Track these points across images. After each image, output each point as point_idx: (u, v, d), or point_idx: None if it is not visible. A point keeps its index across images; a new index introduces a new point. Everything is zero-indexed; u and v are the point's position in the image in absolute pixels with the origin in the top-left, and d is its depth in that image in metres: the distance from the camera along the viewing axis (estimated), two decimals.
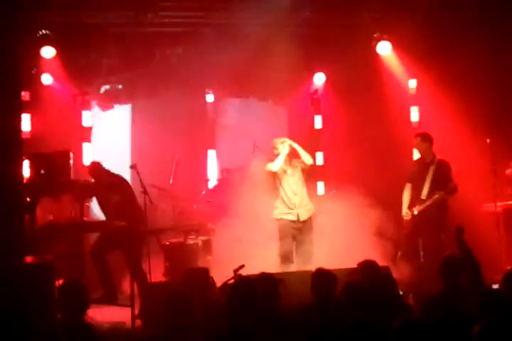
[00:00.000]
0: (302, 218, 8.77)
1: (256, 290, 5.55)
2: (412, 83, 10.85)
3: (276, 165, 8.73)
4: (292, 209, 8.76)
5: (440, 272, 6.07)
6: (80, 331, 5.14)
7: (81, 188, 8.43)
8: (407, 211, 8.96)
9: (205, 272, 6.28)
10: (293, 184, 8.83)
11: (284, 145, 8.80)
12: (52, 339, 5.34)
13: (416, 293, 7.54)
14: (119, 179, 8.92)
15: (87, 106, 10.47)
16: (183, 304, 5.38)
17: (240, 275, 6.74)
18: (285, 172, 8.83)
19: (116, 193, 8.67)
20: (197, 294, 5.80)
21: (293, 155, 8.88)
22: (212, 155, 11.89)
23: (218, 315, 5.52)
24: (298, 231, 8.74)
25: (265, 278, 5.89)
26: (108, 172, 8.94)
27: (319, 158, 10.95)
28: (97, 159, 9.45)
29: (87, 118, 10.55)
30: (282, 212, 8.78)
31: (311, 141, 10.34)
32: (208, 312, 5.67)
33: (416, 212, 8.90)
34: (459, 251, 6.28)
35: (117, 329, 6.98)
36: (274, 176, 8.80)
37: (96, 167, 8.97)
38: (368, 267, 6.33)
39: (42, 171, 7.56)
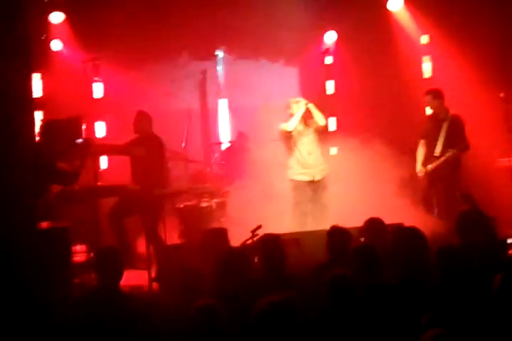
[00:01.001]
0: (317, 178, 8.80)
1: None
2: (424, 38, 10.68)
3: (291, 125, 8.74)
4: (306, 168, 8.78)
5: (456, 227, 6.09)
6: (116, 296, 5.26)
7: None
8: (421, 168, 8.94)
9: (223, 232, 6.28)
10: (307, 144, 8.84)
11: (298, 106, 8.80)
12: (69, 304, 5.45)
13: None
14: (155, 136, 8.79)
15: (97, 72, 10.38)
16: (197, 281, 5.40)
17: (257, 235, 6.76)
18: (299, 132, 8.83)
19: (152, 149, 8.56)
20: (214, 254, 5.85)
21: (307, 115, 8.87)
22: (223, 105, 11.61)
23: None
24: (313, 191, 8.76)
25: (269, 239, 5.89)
26: (151, 126, 8.79)
27: (332, 123, 10.84)
28: None
29: (98, 88, 10.46)
30: (297, 172, 8.81)
31: (323, 104, 10.26)
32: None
33: (429, 169, 8.87)
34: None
35: (137, 292, 7.09)
36: (289, 136, 8.80)
37: (144, 116, 8.81)
38: (371, 225, 6.33)
39: (79, 140, 7.61)
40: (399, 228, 6.32)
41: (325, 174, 8.87)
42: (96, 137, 9.97)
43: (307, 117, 8.87)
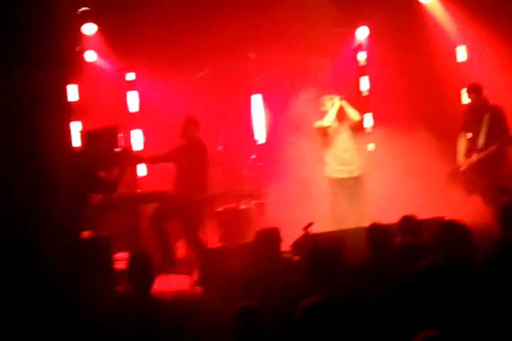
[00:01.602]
0: (354, 174, 8.79)
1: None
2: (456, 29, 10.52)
3: (327, 120, 8.75)
4: (343, 165, 8.74)
5: (498, 221, 5.96)
6: (148, 302, 5.29)
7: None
8: (464, 161, 8.80)
9: (276, 231, 6.26)
10: (343, 141, 8.86)
11: (332, 102, 8.80)
12: (115, 310, 5.49)
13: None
14: (200, 142, 8.84)
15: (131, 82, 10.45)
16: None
17: (309, 232, 6.71)
18: (335, 129, 8.83)
19: (197, 155, 8.65)
20: (270, 253, 5.86)
21: (341, 112, 8.84)
22: (257, 100, 11.59)
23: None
24: (351, 187, 8.73)
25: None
26: (198, 131, 8.83)
27: (368, 119, 10.74)
28: None
29: (134, 102, 10.50)
30: (334, 170, 8.81)
31: (358, 100, 10.19)
32: (279, 270, 5.66)
33: (472, 162, 8.73)
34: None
35: (180, 298, 7.11)
36: (326, 133, 8.80)
37: (193, 122, 8.87)
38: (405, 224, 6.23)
39: (117, 149, 7.72)
40: (440, 223, 6.19)
41: (362, 170, 8.83)
42: (133, 148, 10.03)
43: (341, 114, 8.85)
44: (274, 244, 6.03)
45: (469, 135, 8.93)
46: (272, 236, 6.07)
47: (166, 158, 8.79)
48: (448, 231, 5.55)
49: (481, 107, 8.84)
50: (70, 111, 7.31)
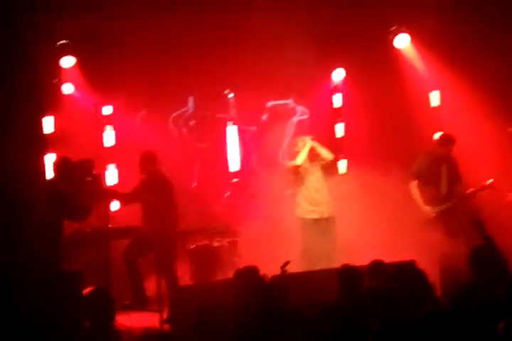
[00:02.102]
0: (325, 215, 8.86)
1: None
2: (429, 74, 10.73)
3: (299, 159, 8.97)
4: (314, 206, 8.82)
5: (469, 263, 6.03)
6: (109, 338, 5.23)
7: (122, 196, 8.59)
8: (429, 208, 8.89)
9: (255, 270, 6.26)
10: (314, 181, 8.98)
11: (304, 143, 8.96)
12: None
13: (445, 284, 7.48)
14: (161, 176, 8.86)
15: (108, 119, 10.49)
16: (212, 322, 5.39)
17: (286, 271, 6.72)
18: (306, 169, 8.95)
19: (152, 192, 8.61)
20: (251, 293, 5.89)
21: (312, 153, 8.99)
22: (232, 131, 11.47)
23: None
24: (321, 228, 8.79)
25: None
26: (157, 167, 8.87)
27: (342, 163, 10.86)
28: None
29: (109, 136, 10.56)
30: (304, 210, 8.88)
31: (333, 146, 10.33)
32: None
33: (440, 210, 8.87)
34: (484, 241, 6.23)
35: (149, 335, 7.05)
36: (297, 172, 8.93)
37: (149, 157, 8.88)
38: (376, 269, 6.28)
39: (89, 178, 7.74)
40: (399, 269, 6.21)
41: (333, 211, 8.91)
42: (106, 183, 10.01)
43: (313, 154, 9.01)
44: (254, 283, 6.05)
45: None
46: (251, 275, 6.09)
47: (132, 197, 8.79)
48: (404, 275, 5.60)
49: (440, 157, 9.02)
50: (44, 143, 7.35)
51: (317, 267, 8.19)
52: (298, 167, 8.94)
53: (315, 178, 9.01)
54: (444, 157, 9.03)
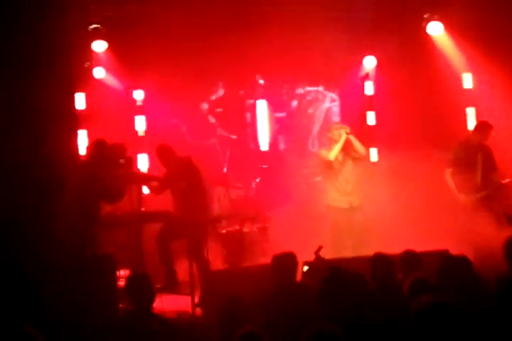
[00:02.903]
0: (354, 204, 8.84)
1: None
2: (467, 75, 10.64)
3: (332, 155, 8.85)
4: (344, 196, 8.81)
5: (505, 254, 5.98)
6: (149, 320, 5.33)
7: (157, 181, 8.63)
8: (464, 196, 8.84)
9: (293, 256, 6.29)
10: (346, 172, 8.96)
11: (339, 133, 8.85)
12: (115, 327, 5.52)
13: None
14: (187, 163, 8.78)
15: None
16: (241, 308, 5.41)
17: (320, 256, 6.72)
18: (338, 161, 8.89)
19: (184, 180, 8.57)
20: (287, 278, 5.92)
21: (347, 145, 8.93)
22: (262, 105, 11.38)
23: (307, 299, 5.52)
24: (350, 217, 8.79)
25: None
26: (176, 156, 8.80)
27: (373, 153, 10.85)
28: None
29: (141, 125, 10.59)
30: (334, 199, 8.86)
31: (363, 134, 10.28)
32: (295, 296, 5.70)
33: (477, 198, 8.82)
34: None
35: (181, 318, 7.11)
36: (330, 166, 8.86)
37: (165, 150, 8.83)
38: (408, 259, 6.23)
39: (122, 161, 7.79)
40: (443, 258, 6.19)
41: (362, 201, 8.90)
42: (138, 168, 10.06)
43: (347, 146, 8.92)
44: (291, 269, 6.07)
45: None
46: (289, 260, 6.12)
47: (164, 184, 8.81)
48: (448, 265, 5.55)
49: (476, 145, 8.97)
50: (76, 121, 7.39)
51: (347, 254, 8.19)
52: (331, 162, 8.85)
53: (347, 169, 8.97)
54: (479, 145, 8.97)
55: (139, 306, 5.37)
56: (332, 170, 8.91)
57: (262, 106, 11.24)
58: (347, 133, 8.89)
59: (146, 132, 10.63)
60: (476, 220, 8.54)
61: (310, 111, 11.66)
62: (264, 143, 11.16)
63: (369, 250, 7.18)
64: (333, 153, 8.85)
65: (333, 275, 5.19)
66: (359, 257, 7.21)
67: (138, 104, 10.65)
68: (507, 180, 8.85)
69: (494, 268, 5.87)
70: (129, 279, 5.59)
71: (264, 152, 11.11)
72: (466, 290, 5.22)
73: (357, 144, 8.92)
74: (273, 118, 11.39)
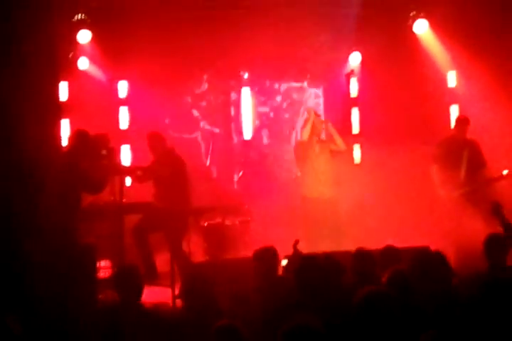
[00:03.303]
0: (326, 196, 8.88)
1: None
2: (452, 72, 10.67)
3: (304, 134, 9.05)
4: (318, 186, 8.85)
5: (484, 251, 6.02)
6: (137, 311, 5.37)
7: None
8: (444, 192, 8.87)
9: (274, 250, 6.28)
10: (322, 163, 9.04)
11: (309, 116, 9.15)
12: (96, 316, 5.51)
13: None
14: (172, 153, 8.85)
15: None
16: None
17: (298, 250, 6.74)
18: (314, 151, 8.98)
19: (168, 168, 8.60)
20: (268, 272, 5.99)
21: (327, 137, 9.01)
22: (246, 93, 11.32)
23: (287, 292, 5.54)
24: (323, 209, 8.82)
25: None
26: (166, 145, 8.86)
27: (356, 151, 10.89)
28: None
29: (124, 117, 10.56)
30: (308, 189, 8.92)
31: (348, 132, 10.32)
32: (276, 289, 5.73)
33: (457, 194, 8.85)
34: (501, 226, 6.23)
35: (161, 309, 7.08)
36: (301, 146, 8.93)
37: (157, 137, 8.87)
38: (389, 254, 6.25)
39: (104, 152, 7.76)
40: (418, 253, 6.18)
41: (335, 193, 8.96)
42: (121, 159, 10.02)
43: (327, 138, 9.04)
44: (272, 263, 6.08)
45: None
46: (269, 254, 6.11)
47: (147, 172, 8.80)
48: (422, 260, 5.56)
49: (460, 140, 9.00)
50: (59, 110, 7.32)
51: (322, 248, 8.17)
52: (303, 143, 8.94)
53: (322, 160, 9.05)
54: (465, 141, 9.01)
55: (128, 298, 5.37)
56: (308, 158, 8.96)
57: (246, 94, 11.21)
58: (316, 114, 9.14)
59: (129, 124, 10.58)
60: (459, 217, 8.60)
61: (294, 106, 11.67)
62: (247, 132, 11.12)
63: (348, 244, 7.19)
64: (304, 133, 8.98)
65: (304, 265, 5.24)
66: (338, 252, 7.21)
67: (121, 95, 10.59)
68: (506, 172, 8.79)
69: (474, 264, 5.91)
70: (120, 271, 5.58)
71: (248, 145, 11.09)
72: (439, 286, 5.25)
73: (337, 137, 9.06)
74: (256, 112, 11.38)
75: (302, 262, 5.50)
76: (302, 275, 5.31)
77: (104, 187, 7.68)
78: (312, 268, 5.32)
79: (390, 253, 6.27)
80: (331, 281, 5.31)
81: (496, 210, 6.39)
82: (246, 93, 11.26)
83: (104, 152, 7.82)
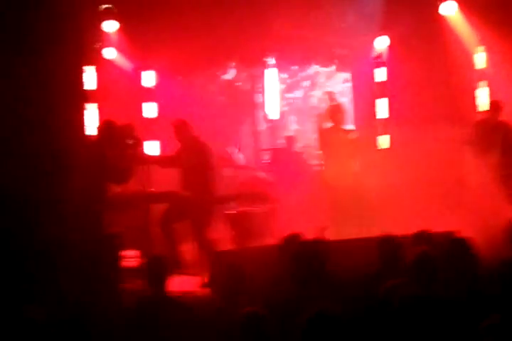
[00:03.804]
0: (352, 182, 8.84)
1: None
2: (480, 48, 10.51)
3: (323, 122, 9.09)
4: (343, 174, 8.82)
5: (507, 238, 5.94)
6: (163, 301, 5.42)
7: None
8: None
9: (300, 238, 6.27)
10: (345, 151, 8.93)
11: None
12: (121, 305, 5.56)
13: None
14: (199, 141, 8.82)
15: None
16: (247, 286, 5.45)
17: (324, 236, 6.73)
18: (338, 137, 8.92)
19: (195, 156, 8.58)
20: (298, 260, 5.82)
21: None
22: (271, 74, 11.26)
23: None
24: (350, 195, 8.78)
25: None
26: (192, 132, 8.83)
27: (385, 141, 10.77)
28: None
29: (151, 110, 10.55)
30: (333, 177, 8.88)
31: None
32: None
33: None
34: None
35: (188, 298, 7.12)
36: (326, 136, 8.89)
37: (183, 125, 8.83)
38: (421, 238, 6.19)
39: (130, 141, 7.78)
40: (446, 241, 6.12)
41: (362, 179, 8.92)
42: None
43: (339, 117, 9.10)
44: (300, 250, 6.07)
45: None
46: (295, 241, 6.11)
47: (172, 159, 8.83)
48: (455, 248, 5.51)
49: (494, 123, 8.90)
50: (83, 98, 7.35)
51: (345, 234, 8.14)
52: (326, 130, 8.90)
53: (346, 148, 9.04)
54: (498, 124, 8.90)
55: (156, 288, 5.42)
56: (331, 146, 8.99)
57: (271, 75, 11.12)
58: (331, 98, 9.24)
59: (157, 113, 10.59)
60: (490, 202, 8.49)
61: (322, 90, 11.60)
62: (273, 113, 11.04)
63: (376, 228, 7.13)
64: (323, 118, 9.04)
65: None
66: (363, 238, 7.16)
67: (148, 84, 10.61)
68: None
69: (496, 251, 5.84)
70: (150, 261, 5.64)
71: (275, 131, 11.07)
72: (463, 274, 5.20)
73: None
74: (283, 98, 11.34)
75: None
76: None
77: (130, 177, 7.71)
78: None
79: (422, 238, 6.20)
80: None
81: None
82: (272, 74, 11.12)
83: (129, 141, 7.85)
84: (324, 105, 9.38)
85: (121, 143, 7.77)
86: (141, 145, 8.70)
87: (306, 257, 5.43)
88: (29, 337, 4.45)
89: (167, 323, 5.24)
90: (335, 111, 9.17)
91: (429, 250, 5.55)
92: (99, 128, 7.94)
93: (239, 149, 10.54)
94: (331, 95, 9.40)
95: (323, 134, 9.11)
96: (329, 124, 9.04)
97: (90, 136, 8.00)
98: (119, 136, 7.76)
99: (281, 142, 11.04)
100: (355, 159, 9.07)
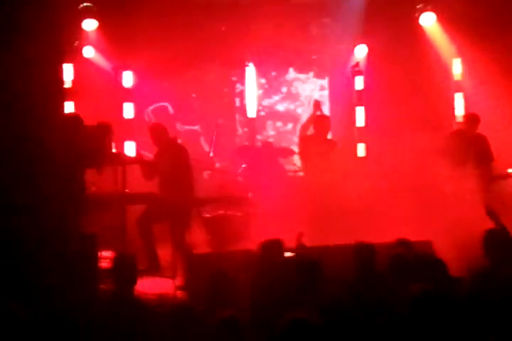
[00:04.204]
0: (331, 190, 8.92)
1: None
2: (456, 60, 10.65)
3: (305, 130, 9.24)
4: (320, 182, 8.89)
5: (482, 247, 6.02)
6: (130, 302, 5.40)
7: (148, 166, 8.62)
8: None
9: (280, 243, 6.32)
10: (326, 161, 9.04)
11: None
12: (96, 307, 5.53)
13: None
14: (176, 143, 8.83)
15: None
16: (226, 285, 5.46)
17: (302, 243, 6.77)
18: (319, 148, 9.02)
19: (172, 158, 8.59)
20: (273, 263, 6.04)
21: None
22: (250, 71, 11.13)
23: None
24: (328, 202, 8.86)
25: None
26: (168, 136, 8.83)
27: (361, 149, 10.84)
28: None
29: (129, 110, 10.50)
30: (310, 184, 8.97)
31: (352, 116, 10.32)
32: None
33: None
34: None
35: (163, 301, 7.10)
36: (306, 144, 8.98)
37: (159, 128, 8.82)
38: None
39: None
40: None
41: (341, 186, 9.00)
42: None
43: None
44: (278, 255, 6.10)
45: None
46: (275, 247, 6.14)
47: (152, 164, 8.82)
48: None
49: (470, 136, 9.02)
50: (63, 94, 7.27)
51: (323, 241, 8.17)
52: (307, 138, 8.96)
53: (326, 158, 9.11)
54: (473, 137, 9.01)
55: (122, 287, 5.37)
56: (311, 156, 9.06)
57: (250, 73, 11.14)
58: (316, 107, 9.31)
59: (133, 114, 10.55)
60: (463, 211, 8.59)
61: (299, 98, 11.65)
62: (251, 111, 11.05)
63: (353, 236, 7.18)
64: (304, 127, 9.03)
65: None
66: (341, 245, 7.22)
67: (126, 85, 10.56)
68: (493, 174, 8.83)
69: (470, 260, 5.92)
70: (116, 259, 5.60)
71: (252, 136, 11.09)
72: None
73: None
74: (261, 104, 11.37)
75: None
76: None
77: (103, 162, 7.54)
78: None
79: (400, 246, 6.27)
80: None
81: (490, 214, 6.39)
82: (250, 72, 11.09)
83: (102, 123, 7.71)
84: (308, 114, 9.41)
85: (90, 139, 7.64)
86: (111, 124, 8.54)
87: (308, 266, 5.43)
88: (11, 333, 4.41)
89: (132, 325, 5.21)
90: (320, 122, 9.22)
91: (405, 252, 5.67)
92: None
93: (216, 152, 10.51)
94: (317, 105, 9.41)
95: (304, 142, 9.15)
96: (311, 132, 9.09)
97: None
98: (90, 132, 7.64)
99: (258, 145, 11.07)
100: (334, 167, 9.10)
